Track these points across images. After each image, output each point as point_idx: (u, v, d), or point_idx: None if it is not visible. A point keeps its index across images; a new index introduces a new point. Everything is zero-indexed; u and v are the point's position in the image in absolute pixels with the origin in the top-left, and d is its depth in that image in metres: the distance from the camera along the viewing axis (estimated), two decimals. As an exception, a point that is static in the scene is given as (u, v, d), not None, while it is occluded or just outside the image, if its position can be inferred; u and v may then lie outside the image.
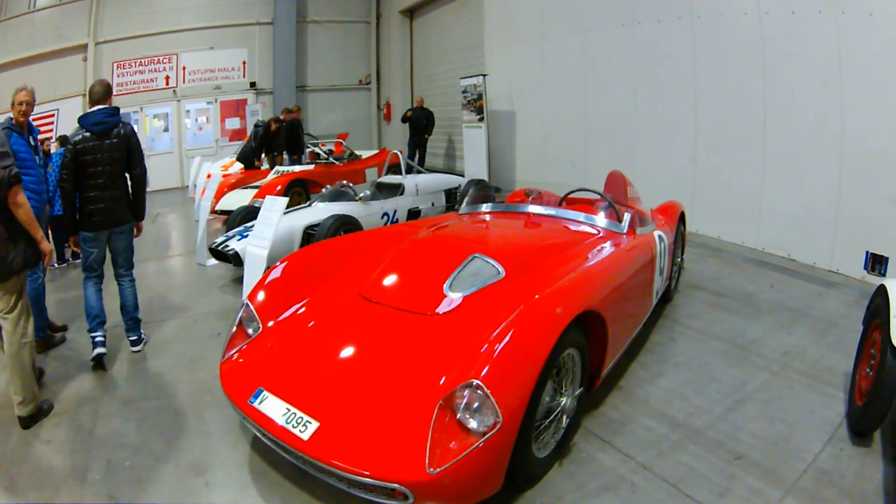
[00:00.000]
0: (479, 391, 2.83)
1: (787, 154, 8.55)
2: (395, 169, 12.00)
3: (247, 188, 11.95)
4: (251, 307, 4.00)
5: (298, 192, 11.57)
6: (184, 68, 19.06)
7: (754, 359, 5.35)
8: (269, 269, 4.49)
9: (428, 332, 3.57)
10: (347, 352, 3.53)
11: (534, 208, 5.67)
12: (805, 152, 8.29)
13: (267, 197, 6.84)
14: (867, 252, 7.57)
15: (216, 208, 11.03)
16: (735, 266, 8.33)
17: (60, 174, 5.07)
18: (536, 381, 3.04)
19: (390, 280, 4.19)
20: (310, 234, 7.74)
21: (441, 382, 3.05)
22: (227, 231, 8.08)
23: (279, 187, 11.09)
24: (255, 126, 14.51)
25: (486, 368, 2.90)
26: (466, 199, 6.21)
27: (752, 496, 3.43)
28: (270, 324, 3.92)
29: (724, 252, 9.07)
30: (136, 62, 18.44)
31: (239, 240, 7.42)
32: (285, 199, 6.63)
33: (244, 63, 19.98)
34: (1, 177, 3.96)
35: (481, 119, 14.18)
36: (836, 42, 7.70)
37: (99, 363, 5.25)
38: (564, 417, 3.72)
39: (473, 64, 16.01)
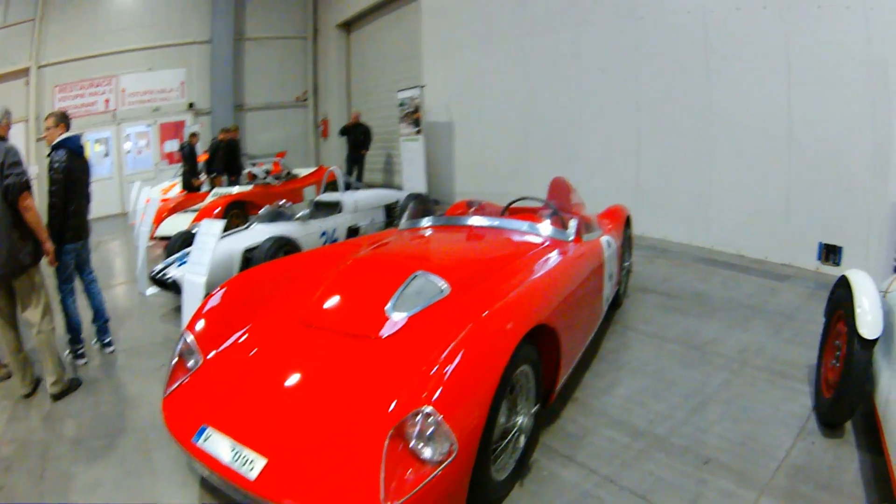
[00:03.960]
0: (431, 418, 2.66)
1: (735, 151, 8.51)
2: (333, 186, 11.85)
3: (186, 212, 11.56)
4: (190, 339, 3.74)
5: (237, 213, 11.22)
6: (123, 90, 18.54)
7: (712, 359, 5.16)
8: (207, 296, 4.22)
9: (373, 356, 3.35)
10: (292, 382, 3.30)
11: (476, 220, 5.46)
12: (753, 148, 8.26)
13: (202, 221, 6.51)
14: (820, 243, 7.56)
15: (155, 234, 10.62)
16: (684, 266, 8.17)
17: (51, 191, 5.39)
18: (491, 403, 2.89)
19: (331, 304, 3.94)
20: (249, 258, 7.46)
21: (391, 410, 2.86)
22: (167, 257, 7.79)
23: (217, 210, 10.77)
24: (181, 148, 14.30)
25: (438, 393, 2.73)
26: (406, 213, 5.96)
27: (726, 500, 3.30)
28: (212, 354, 3.67)
29: (672, 252, 8.93)
30: (76, 85, 17.95)
31: (178, 266, 7.07)
32: (221, 223, 6.25)
33: (182, 83, 19.56)
34: (15, 183, 4.55)
35: (419, 131, 14.01)
36: (782, 37, 7.71)
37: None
38: (522, 437, 3.54)
39: (411, 76, 15.85)
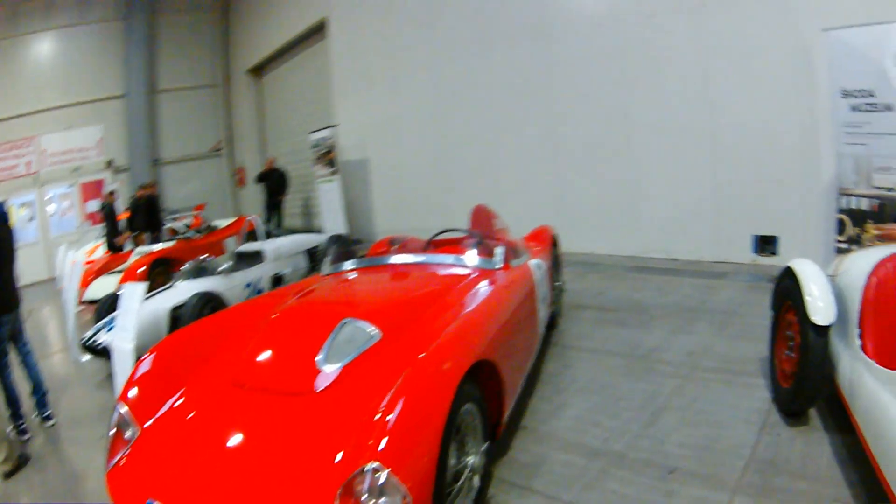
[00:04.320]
0: (378, 473, 2.49)
1: (658, 156, 8.47)
2: (253, 236, 11.70)
3: (112, 273, 11.21)
4: (124, 410, 3.46)
5: (162, 271, 10.91)
6: (44, 151, 18.20)
7: (659, 367, 4.93)
8: (137, 362, 3.93)
9: (311, 413, 3.11)
10: (232, 448, 3.04)
11: (399, 258, 5.25)
12: (676, 151, 8.23)
13: (125, 284, 6.28)
14: (754, 235, 7.53)
15: (83, 298, 10.20)
16: (616, 277, 8.00)
17: None
18: (440, 447, 2.73)
19: (260, 362, 3.68)
20: (176, 317, 7.22)
21: (336, 468, 2.68)
22: (96, 322, 7.49)
23: (142, 269, 10.52)
24: (101, 207, 13.93)
25: (382, 445, 2.57)
26: (327, 258, 5.71)
27: (699, 506, 3.11)
28: (148, 423, 3.39)
29: (601, 265, 8.76)
30: None
31: (108, 331, 6.75)
32: (143, 285, 6.00)
33: (100, 140, 19.18)
34: None
35: (334, 172, 13.79)
36: (698, 37, 7.75)
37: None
38: (475, 476, 3.29)
39: (324, 116, 15.61)
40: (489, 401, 3.53)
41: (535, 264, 5.30)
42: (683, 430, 3.87)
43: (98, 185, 18.84)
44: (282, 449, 2.92)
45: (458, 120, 11.63)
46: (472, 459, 3.24)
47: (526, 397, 4.66)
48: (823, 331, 3.45)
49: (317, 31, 16.10)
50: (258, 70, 20.41)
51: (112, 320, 6.80)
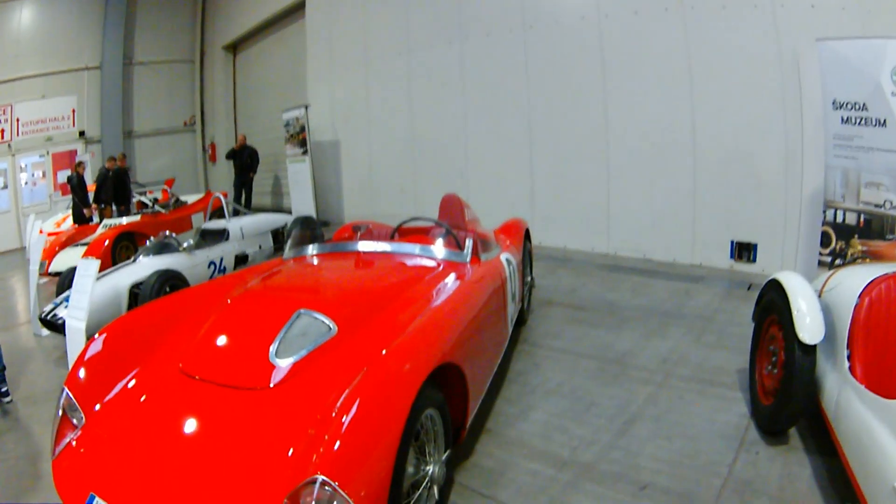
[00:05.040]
0: (326, 487, 2.29)
1: (635, 155, 8.31)
2: (220, 213, 11.30)
3: (77, 245, 10.99)
4: (70, 394, 3.27)
5: (127, 245, 10.79)
6: (17, 120, 17.80)
7: (632, 372, 4.73)
8: (86, 343, 3.73)
9: (259, 411, 2.88)
10: (177, 445, 2.84)
11: (363, 245, 4.96)
12: (655, 151, 8.07)
13: (79, 260, 6.16)
14: (732, 241, 7.41)
15: (49, 270, 10.05)
16: (589, 275, 7.81)
17: None
18: (396, 457, 2.53)
19: (210, 351, 3.44)
20: (136, 294, 7.08)
21: (281, 477, 2.48)
22: (58, 296, 7.30)
23: (106, 242, 10.33)
24: (68, 179, 13.69)
25: (333, 454, 2.37)
26: (289, 241, 5.44)
27: (674, 527, 2.83)
28: (95, 409, 3.20)
29: (573, 262, 8.59)
30: None
31: (66, 306, 6.48)
32: (97, 262, 5.90)
33: (73, 111, 18.85)
34: None
35: (305, 152, 13.62)
36: (684, 39, 7.57)
37: None
38: (434, 487, 3.08)
39: (297, 96, 15.43)
40: (453, 404, 3.34)
41: (506, 258, 5.10)
42: (657, 442, 3.67)
43: (71, 155, 18.55)
44: (229, 449, 2.72)
45: (432, 108, 11.46)
46: (431, 468, 3.04)
47: (491, 397, 4.46)
48: (811, 349, 3.30)
49: (295, 10, 15.89)
50: (234, 47, 20.14)
51: (68, 295, 6.58)
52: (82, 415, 3.17)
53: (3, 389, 5.50)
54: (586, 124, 8.78)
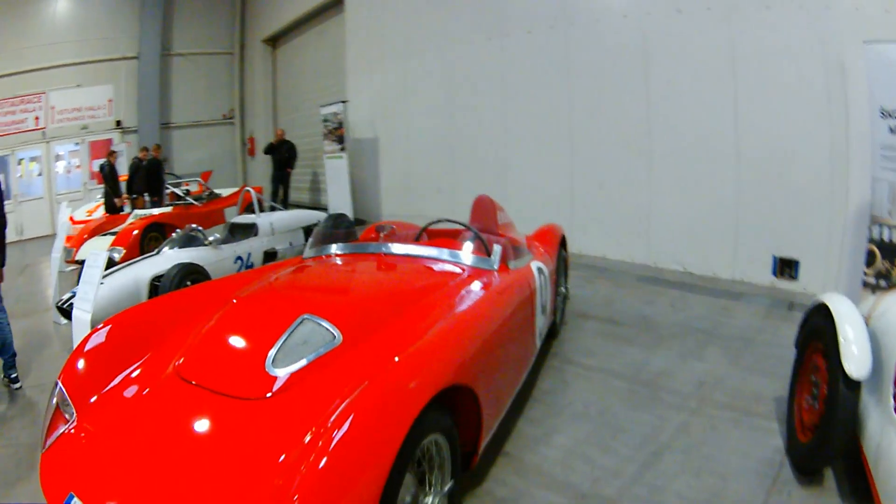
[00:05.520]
0: None
1: (677, 161, 8.01)
2: (253, 208, 11.13)
3: (106, 234, 11.07)
4: (62, 388, 3.17)
5: (156, 236, 10.74)
6: (52, 108, 18.17)
7: (665, 396, 4.47)
8: (85, 337, 3.61)
9: (248, 424, 2.69)
10: (162, 453, 2.67)
11: (385, 247, 4.73)
12: (697, 157, 7.77)
13: (89, 252, 6.17)
14: (774, 256, 7.10)
15: (76, 257, 10.17)
16: (627, 287, 7.54)
17: None
18: (385, 486, 2.31)
19: (208, 354, 3.27)
20: (157, 286, 7.04)
21: (260, 497, 2.29)
22: (78, 284, 7.19)
23: (135, 232, 10.40)
24: (100, 168, 13.75)
25: (315, 479, 2.17)
26: (310, 239, 5.24)
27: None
28: (89, 403, 3.11)
29: (612, 272, 8.30)
30: (7, 102, 17.45)
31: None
32: (105, 254, 5.97)
33: (110, 101, 19.15)
34: None
35: (343, 148, 13.52)
36: (728, 40, 7.27)
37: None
38: None
39: (336, 91, 15.38)
40: (464, 426, 3.13)
41: (537, 267, 4.87)
42: (684, 478, 3.42)
43: (107, 144, 18.67)
44: (212, 463, 2.56)
45: (471, 106, 11.22)
46: (431, 500, 2.82)
47: (514, 416, 4.24)
48: (856, 384, 3.01)
49: (335, 3, 15.74)
50: (274, 40, 20.14)
51: None
52: (73, 410, 3.08)
53: (13, 375, 5.56)
54: (628, 127, 8.51)
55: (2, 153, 17.41)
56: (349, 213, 13.10)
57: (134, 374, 3.30)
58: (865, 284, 5.56)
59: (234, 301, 3.80)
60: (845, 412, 3.01)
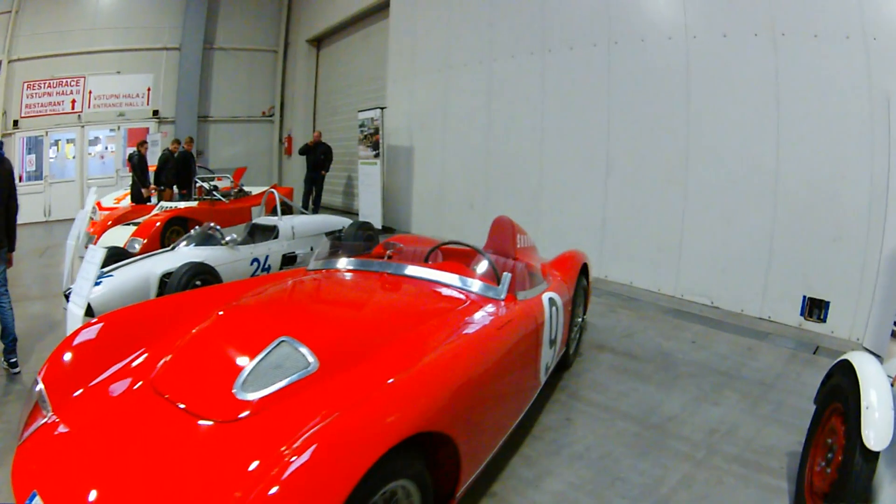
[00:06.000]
0: None
1: (713, 190, 7.71)
2: (286, 209, 11.14)
3: (129, 224, 11.07)
4: (41, 385, 3.11)
5: (178, 230, 10.65)
6: (90, 93, 18.45)
7: (672, 443, 4.19)
8: (70, 334, 3.54)
9: (208, 448, 2.55)
10: (123, 468, 2.56)
11: (390, 267, 4.53)
12: (734, 188, 7.46)
13: (88, 247, 6.09)
14: (804, 296, 6.77)
15: (97, 245, 9.88)
16: (650, 318, 7.25)
17: None
18: None
19: (181, 369, 3.14)
20: (166, 283, 6.96)
21: None
22: None
23: (158, 224, 10.40)
24: (129, 157, 13.91)
25: None
26: (317, 251, 5.10)
27: None
28: (71, 397, 3.09)
29: (637, 301, 8.01)
30: (45, 83, 17.79)
31: (94, 286, 6.43)
32: (103, 251, 5.79)
33: (149, 90, 19.39)
34: None
35: (377, 155, 13.46)
36: (773, 68, 6.97)
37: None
38: None
39: (376, 97, 15.36)
40: (442, 468, 2.90)
41: (549, 298, 4.60)
42: (680, 538, 3.13)
43: (145, 132, 18.92)
44: (166, 481, 2.43)
45: (509, 121, 10.99)
46: None
47: (507, 453, 3.98)
48: (873, 456, 2.73)
49: (380, 8, 15.65)
50: (318, 41, 20.17)
51: (103, 275, 6.80)
52: (49, 409, 3.01)
53: (13, 360, 5.63)
54: (666, 151, 8.23)
55: (36, 133, 17.65)
56: (378, 221, 13.09)
57: (109, 381, 3.20)
58: (894, 335, 5.24)
59: (220, 313, 3.64)
60: (859, 484, 2.73)
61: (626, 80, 8.75)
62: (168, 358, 3.21)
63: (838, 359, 3.36)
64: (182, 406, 2.80)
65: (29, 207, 16.97)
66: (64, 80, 17.95)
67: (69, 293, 6.50)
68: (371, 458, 2.23)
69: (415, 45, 13.77)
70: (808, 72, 6.68)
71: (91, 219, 11.53)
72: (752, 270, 7.24)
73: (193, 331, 3.43)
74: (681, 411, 4.70)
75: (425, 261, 5.09)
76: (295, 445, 2.22)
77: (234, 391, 2.77)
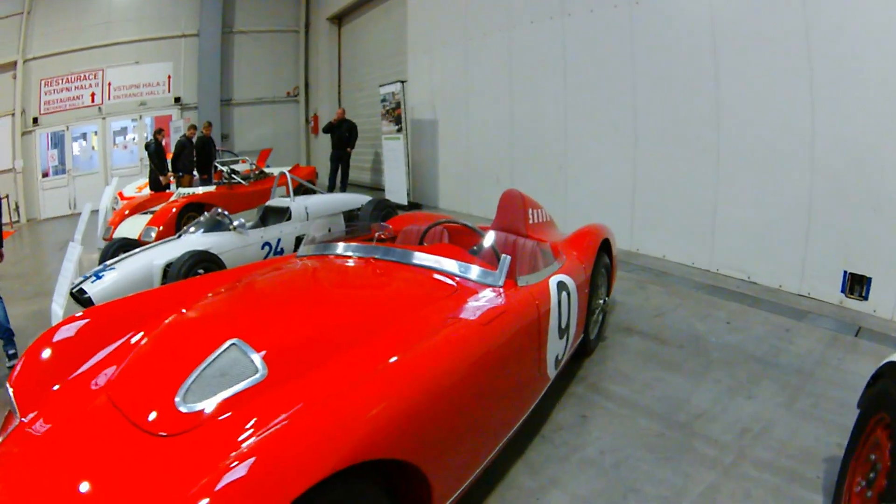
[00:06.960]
0: None
1: (746, 157, 7.18)
2: (304, 190, 11.28)
3: (146, 213, 10.98)
4: (10, 392, 2.93)
5: (194, 216, 10.29)
6: (109, 84, 18.68)
7: (698, 446, 3.74)
8: (41, 335, 3.32)
9: (142, 461, 2.28)
10: (67, 477, 2.32)
11: (378, 251, 4.11)
12: (768, 155, 6.92)
13: (69, 244, 6.14)
14: (845, 272, 6.26)
15: (114, 236, 10.06)
16: (682, 296, 6.79)
17: None
18: None
19: (132, 376, 2.86)
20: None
21: None
22: (99, 266, 7.14)
23: (173, 210, 10.33)
24: (146, 145, 13.90)
25: None
26: (306, 236, 4.80)
27: None
28: (58, 386, 2.98)
29: (669, 276, 7.55)
30: (63, 79, 17.94)
31: (94, 281, 6.45)
32: (80, 248, 5.91)
33: (169, 77, 19.61)
34: None
35: (399, 129, 13.19)
36: (802, 21, 6.38)
37: None
38: None
39: (398, 71, 15.05)
40: (413, 492, 2.53)
41: (559, 282, 4.11)
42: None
43: (168, 120, 19.09)
44: (102, 497, 2.19)
45: (529, 90, 10.60)
46: None
47: (510, 457, 3.60)
48: None
49: (399, -18, 15.36)
50: (339, 18, 19.95)
51: (105, 268, 6.70)
52: (18, 416, 2.83)
53: (11, 352, 5.81)
54: (696, 116, 7.72)
55: (58, 129, 17.82)
56: (404, 197, 12.85)
57: (70, 389, 2.99)
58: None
59: (183, 311, 3.38)
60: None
61: (649, 42, 8.27)
62: (123, 366, 2.97)
63: (886, 360, 2.85)
64: (129, 417, 2.55)
65: (54, 201, 17.26)
66: (82, 75, 18.15)
67: (73, 289, 6.38)
68: (295, 491, 1.88)
69: (433, 17, 13.43)
70: (840, 24, 6.10)
71: (112, 208, 11.47)
72: (789, 242, 6.76)
73: (154, 332, 3.19)
74: (711, 406, 4.25)
75: (420, 243, 4.76)
76: (213, 477, 1.92)
77: (175, 401, 2.49)
